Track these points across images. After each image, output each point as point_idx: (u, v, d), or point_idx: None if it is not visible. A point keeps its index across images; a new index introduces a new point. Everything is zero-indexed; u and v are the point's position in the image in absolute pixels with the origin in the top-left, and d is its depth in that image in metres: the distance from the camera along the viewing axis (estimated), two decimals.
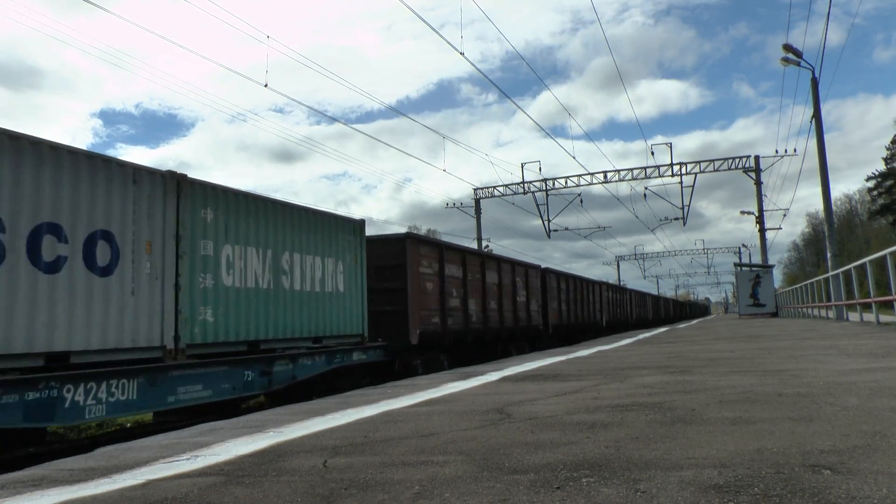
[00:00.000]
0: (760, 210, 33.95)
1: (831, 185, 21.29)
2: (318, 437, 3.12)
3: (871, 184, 73.60)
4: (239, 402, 8.47)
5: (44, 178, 5.89)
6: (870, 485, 1.78)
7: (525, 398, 4.18)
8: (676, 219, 35.75)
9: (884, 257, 12.69)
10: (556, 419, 3.23)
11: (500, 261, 16.48)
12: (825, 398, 3.42)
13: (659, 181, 49.95)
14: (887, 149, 70.62)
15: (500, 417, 3.39)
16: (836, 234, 23.24)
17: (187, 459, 2.73)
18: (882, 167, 71.06)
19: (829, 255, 21.81)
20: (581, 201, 36.15)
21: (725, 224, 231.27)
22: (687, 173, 32.77)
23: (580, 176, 34.54)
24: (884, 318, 16.67)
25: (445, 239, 21.56)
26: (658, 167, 33.17)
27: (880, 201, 71.43)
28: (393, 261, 11.68)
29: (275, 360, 8.40)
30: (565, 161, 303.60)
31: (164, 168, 7.31)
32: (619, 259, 76.53)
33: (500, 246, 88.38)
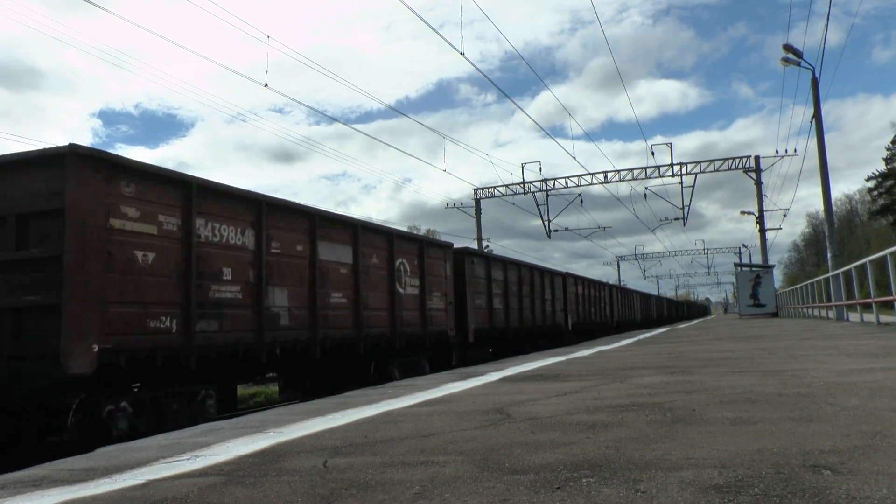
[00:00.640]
0: (761, 210, 33.95)
1: (831, 186, 21.30)
2: (319, 437, 3.12)
3: (871, 184, 73.61)
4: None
5: None
6: (870, 485, 1.78)
7: (525, 398, 4.18)
8: (676, 219, 35.77)
9: (884, 257, 12.68)
10: (557, 419, 3.24)
11: (532, 269, 18.29)
12: (825, 398, 3.42)
13: (659, 181, 49.91)
14: (887, 149, 70.64)
15: (500, 418, 3.39)
16: (836, 235, 23.25)
17: (188, 459, 2.73)
18: (882, 167, 71.06)
19: (829, 255, 21.82)
20: (581, 201, 36.18)
21: (725, 224, 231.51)
22: (687, 173, 32.78)
23: (580, 176, 34.55)
24: (884, 318, 16.67)
25: (446, 239, 21.98)
26: (658, 167, 33.17)
27: (880, 201, 71.40)
28: (455, 270, 13.40)
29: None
30: (565, 161, 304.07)
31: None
32: (619, 259, 76.56)
33: (500, 246, 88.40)
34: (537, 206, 35.54)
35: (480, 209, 38.03)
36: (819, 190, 21.54)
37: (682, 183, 32.88)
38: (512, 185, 35.76)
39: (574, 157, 44.49)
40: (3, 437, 5.90)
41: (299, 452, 2.74)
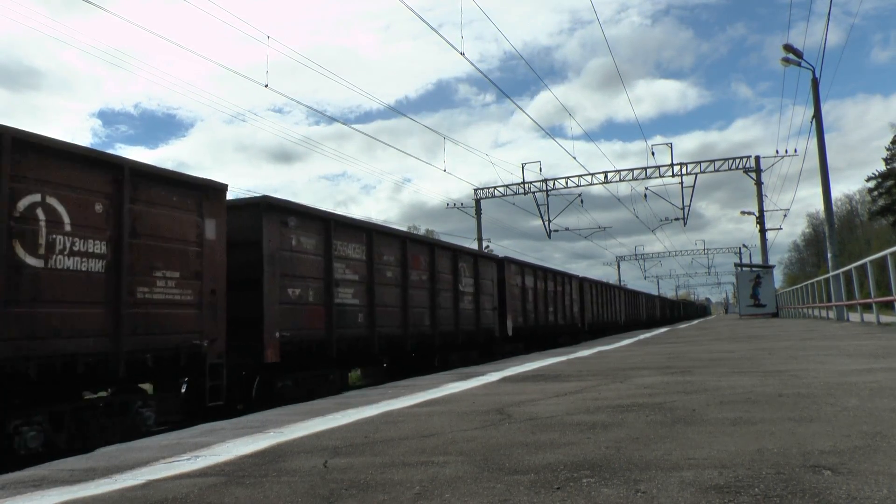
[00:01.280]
0: (761, 210, 33.94)
1: (831, 186, 21.29)
2: (319, 437, 3.12)
3: (871, 184, 73.59)
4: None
5: None
6: (870, 485, 1.78)
7: (525, 399, 4.18)
8: (677, 219, 35.74)
9: (884, 258, 12.68)
10: (557, 420, 3.23)
11: (555, 274, 20.60)
12: (826, 399, 3.42)
13: (659, 181, 49.93)
14: (887, 149, 70.59)
15: (500, 418, 3.39)
16: (836, 235, 23.24)
17: (188, 460, 2.73)
18: (882, 167, 71.03)
19: (829, 255, 21.81)
20: (581, 201, 36.17)
21: (725, 224, 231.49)
22: (687, 173, 32.76)
23: (580, 176, 34.55)
24: (884, 318, 16.66)
25: (445, 239, 22.89)
26: (658, 167, 33.16)
27: (881, 202, 71.36)
28: (498, 277, 15.58)
29: None
30: (564, 161, 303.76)
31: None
32: (619, 259, 76.54)
33: (501, 246, 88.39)
34: (537, 206, 35.55)
35: (481, 209, 38.03)
36: (819, 190, 21.55)
37: (682, 183, 32.89)
38: (512, 185, 35.77)
39: (574, 157, 44.50)
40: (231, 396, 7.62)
41: (299, 453, 2.74)
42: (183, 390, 7.16)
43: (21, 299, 5.17)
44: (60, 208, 5.57)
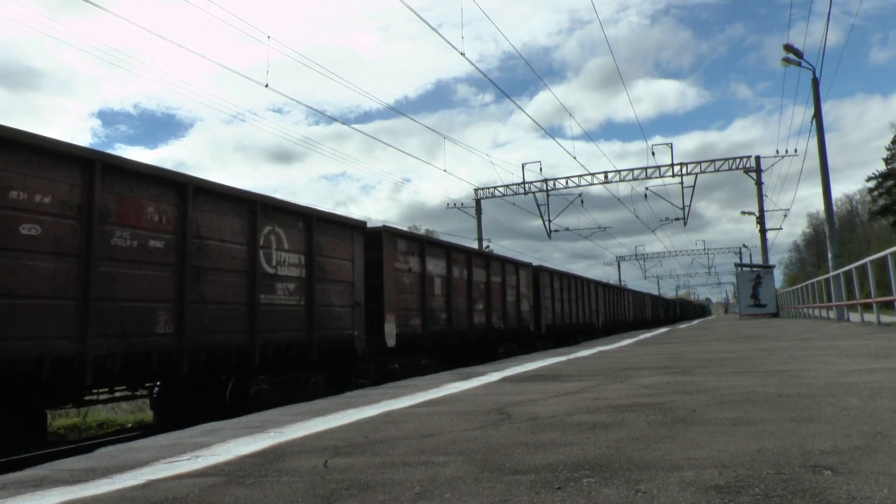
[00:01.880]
0: (761, 210, 33.93)
1: (831, 186, 21.28)
2: (319, 437, 3.12)
3: (871, 184, 73.56)
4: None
5: None
6: (871, 485, 1.78)
7: (526, 399, 4.18)
8: (677, 219, 35.77)
9: (884, 258, 12.68)
10: (557, 420, 3.23)
11: (576, 279, 23.49)
12: (826, 399, 3.42)
13: (659, 181, 49.97)
14: (887, 149, 70.54)
15: (500, 418, 3.39)
16: (836, 235, 23.22)
17: (188, 460, 2.73)
18: (882, 167, 70.99)
19: (829, 255, 21.80)
20: (582, 201, 36.17)
21: (725, 224, 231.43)
22: (688, 173, 32.77)
23: (581, 176, 34.55)
24: (885, 318, 16.66)
25: (445, 239, 23.54)
26: (658, 167, 33.16)
27: (881, 202, 71.33)
28: (533, 282, 18.45)
29: None
30: (564, 162, 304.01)
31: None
32: (619, 259, 76.53)
33: (501, 246, 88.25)
34: (538, 206, 35.56)
35: (481, 209, 38.03)
36: (819, 190, 21.54)
37: (682, 183, 32.90)
38: (512, 185, 35.77)
39: (574, 157, 44.46)
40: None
41: (300, 453, 2.74)
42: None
43: (259, 293, 7.80)
44: (282, 235, 8.33)
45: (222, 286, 7.24)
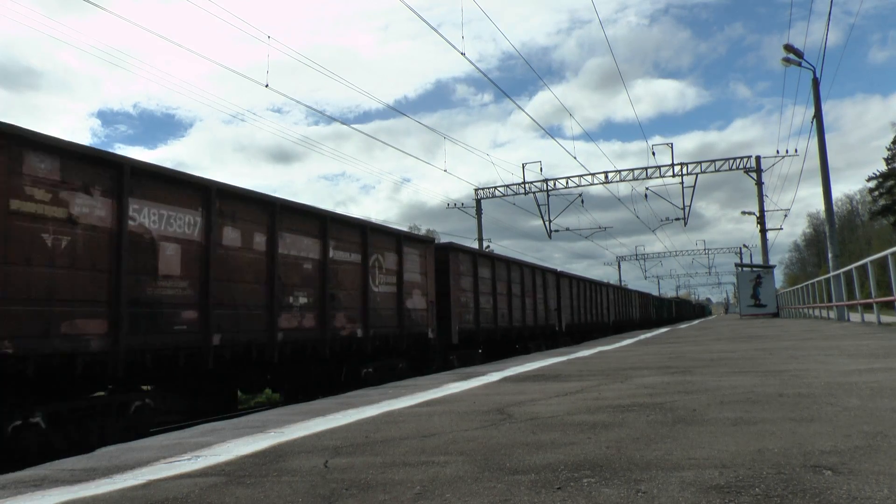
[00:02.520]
0: (761, 210, 33.92)
1: (832, 186, 21.27)
2: (319, 437, 3.12)
3: (872, 184, 73.54)
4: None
5: None
6: (871, 485, 1.78)
7: (526, 399, 4.18)
8: (677, 219, 35.75)
9: (885, 258, 12.67)
10: (558, 419, 3.23)
11: (590, 283, 26.10)
12: (826, 399, 3.42)
13: (659, 181, 49.93)
14: (888, 149, 70.52)
15: (501, 418, 3.39)
16: (837, 235, 23.22)
17: (188, 460, 2.73)
18: (883, 167, 70.98)
19: (830, 255, 21.80)
20: (582, 201, 36.16)
21: (725, 224, 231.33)
22: (688, 173, 32.76)
23: (581, 176, 34.55)
24: (885, 318, 16.66)
25: (446, 239, 24.73)
26: (659, 167, 33.16)
27: (881, 202, 71.32)
28: (555, 285, 20.73)
29: None
30: (563, 162, 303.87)
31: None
32: (619, 259, 76.53)
33: (501, 246, 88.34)
34: (538, 206, 35.55)
35: (481, 209, 38.02)
36: (820, 190, 21.54)
37: (682, 183, 32.89)
38: (512, 185, 35.76)
39: (575, 157, 44.44)
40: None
41: (300, 452, 2.74)
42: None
43: (370, 307, 10.03)
44: (383, 260, 10.55)
45: (348, 298, 9.59)
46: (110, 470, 2.60)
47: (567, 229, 39.21)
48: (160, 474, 2.45)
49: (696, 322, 39.69)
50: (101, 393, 6.24)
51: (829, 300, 20.29)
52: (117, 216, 5.90)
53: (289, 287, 8.04)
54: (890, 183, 68.94)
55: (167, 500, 2.05)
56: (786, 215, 52.28)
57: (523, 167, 35.22)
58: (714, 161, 32.97)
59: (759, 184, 33.25)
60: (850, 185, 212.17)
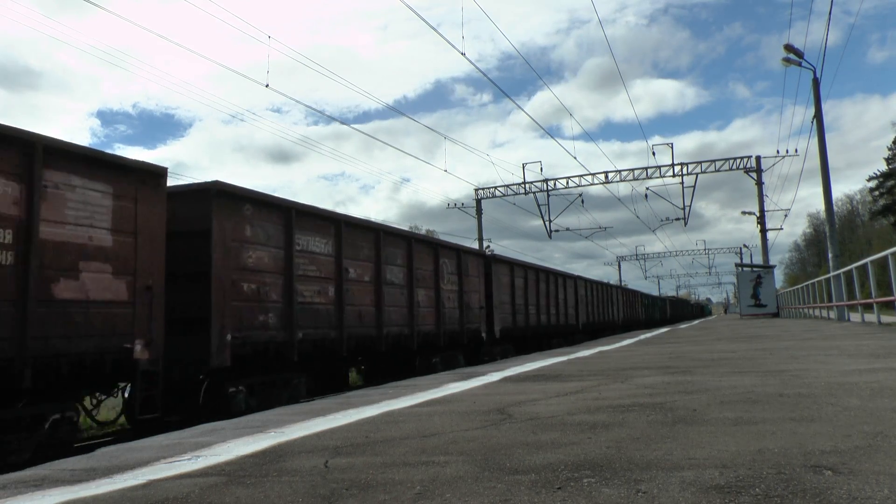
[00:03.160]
0: (762, 210, 33.91)
1: (832, 186, 21.26)
2: (320, 437, 3.12)
3: (872, 184, 73.50)
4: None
5: None
6: (871, 485, 1.78)
7: (526, 398, 4.18)
8: (677, 219, 35.70)
9: (885, 258, 12.67)
10: (558, 419, 3.23)
11: (606, 285, 29.72)
12: (826, 399, 3.42)
13: (660, 181, 49.89)
14: (889, 149, 70.46)
15: (501, 418, 3.39)
16: (837, 235, 23.21)
17: (188, 460, 2.73)
18: (883, 167, 70.93)
19: (830, 255, 21.78)
20: (582, 201, 36.15)
21: (725, 224, 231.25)
22: (688, 174, 32.75)
23: (581, 176, 34.53)
24: (885, 318, 16.65)
25: (446, 239, 24.73)
26: (659, 167, 33.14)
27: (882, 201, 71.27)
28: (575, 288, 23.44)
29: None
30: (563, 162, 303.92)
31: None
32: (620, 259, 76.50)
33: (501, 246, 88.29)
34: (538, 206, 35.53)
35: (481, 209, 38.01)
36: (820, 190, 21.52)
37: (682, 183, 32.88)
38: (513, 185, 35.74)
39: (575, 157, 44.44)
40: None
41: (300, 452, 2.74)
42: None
43: (442, 310, 12.67)
44: (448, 271, 13.01)
45: (427, 303, 11.95)
46: (110, 470, 2.60)
47: (567, 229, 39.19)
48: (160, 474, 2.46)
49: (696, 322, 39.67)
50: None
51: (830, 300, 20.28)
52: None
53: (391, 299, 10.69)
54: (890, 183, 68.89)
55: (167, 499, 2.05)
56: (786, 215, 52.34)
57: (523, 167, 35.22)
58: (714, 161, 32.96)
59: (760, 184, 33.24)
60: (851, 185, 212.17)
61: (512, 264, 17.01)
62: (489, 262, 15.50)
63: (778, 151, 32.63)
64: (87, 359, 5.78)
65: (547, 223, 35.93)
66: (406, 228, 19.65)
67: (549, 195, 35.33)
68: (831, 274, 19.59)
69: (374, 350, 10.11)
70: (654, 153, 32.61)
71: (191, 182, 9.11)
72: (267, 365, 7.98)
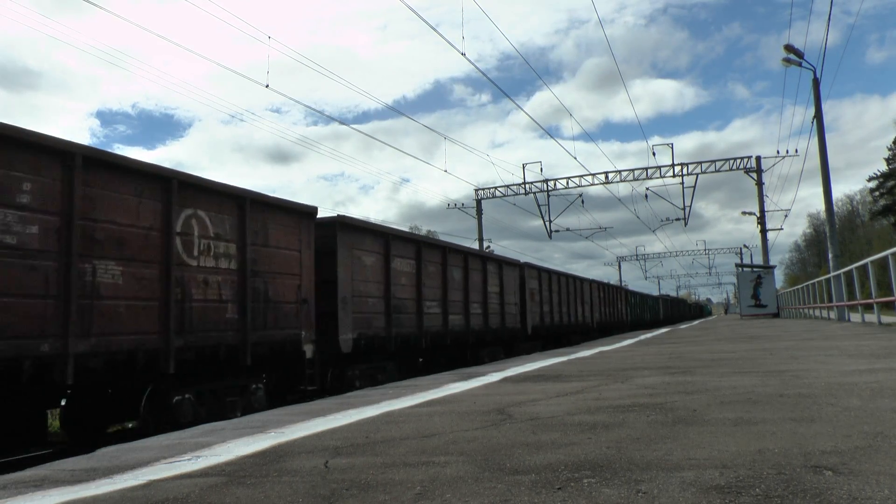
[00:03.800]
0: (762, 211, 33.92)
1: (832, 186, 21.26)
2: (320, 437, 3.12)
3: (872, 184, 73.53)
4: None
5: None
6: (871, 486, 1.78)
7: (526, 399, 4.18)
8: (678, 219, 35.74)
9: (885, 258, 12.67)
10: (558, 420, 3.23)
11: (610, 287, 30.82)
12: (827, 399, 3.42)
13: (660, 181, 49.87)
14: (889, 149, 70.48)
15: (501, 418, 3.39)
16: (837, 235, 23.21)
17: (189, 460, 2.73)
18: (883, 167, 70.94)
19: (830, 255, 21.78)
20: (582, 202, 36.17)
21: (725, 224, 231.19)
22: (688, 174, 32.76)
23: (581, 176, 34.54)
24: (885, 318, 16.66)
25: (446, 239, 25.35)
26: (659, 167, 33.15)
27: (882, 202, 71.30)
28: (589, 291, 25.71)
29: None
30: (562, 162, 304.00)
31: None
32: (620, 260, 76.51)
33: (501, 246, 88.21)
34: (538, 206, 35.54)
35: (482, 209, 38.01)
36: (820, 190, 21.52)
37: (682, 183, 32.89)
38: (513, 185, 35.75)
39: (574, 157, 44.44)
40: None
41: (300, 453, 2.74)
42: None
43: (489, 312, 15.02)
44: (493, 277, 15.33)
45: (476, 301, 14.13)
46: (111, 470, 2.60)
47: (567, 229, 39.20)
48: (161, 474, 2.46)
49: (696, 322, 39.67)
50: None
51: (830, 300, 20.28)
52: (383, 261, 10.55)
53: (453, 302, 12.87)
54: (890, 183, 68.91)
55: (168, 500, 2.05)
56: (786, 215, 52.32)
57: (523, 167, 35.25)
58: (714, 161, 32.98)
59: (760, 184, 33.25)
60: (851, 185, 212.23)
61: (539, 270, 19.12)
62: (522, 268, 17.61)
63: (778, 152, 32.68)
64: (279, 345, 7.92)
65: (547, 223, 35.96)
66: (405, 228, 19.94)
67: (549, 195, 35.37)
68: (831, 274, 19.59)
69: (442, 344, 12.38)
70: (653, 153, 32.66)
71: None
72: (371, 355, 10.15)
